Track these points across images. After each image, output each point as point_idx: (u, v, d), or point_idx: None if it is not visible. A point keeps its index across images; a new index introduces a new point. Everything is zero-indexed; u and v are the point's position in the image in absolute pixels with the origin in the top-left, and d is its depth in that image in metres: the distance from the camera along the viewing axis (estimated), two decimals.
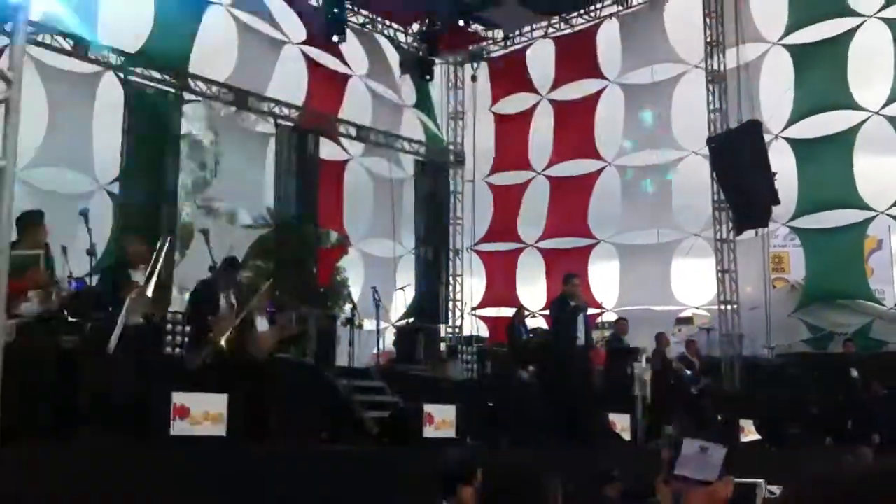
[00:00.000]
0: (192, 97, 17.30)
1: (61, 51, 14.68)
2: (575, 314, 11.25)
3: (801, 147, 17.91)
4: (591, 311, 19.66)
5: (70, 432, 7.25)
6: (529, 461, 2.88)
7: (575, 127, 20.18)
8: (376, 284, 14.42)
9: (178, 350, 10.34)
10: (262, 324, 9.04)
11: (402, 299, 18.59)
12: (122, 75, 15.26)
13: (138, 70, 15.53)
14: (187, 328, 11.03)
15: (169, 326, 10.47)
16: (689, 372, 14.09)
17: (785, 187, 17.23)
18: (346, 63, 19.17)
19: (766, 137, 17.13)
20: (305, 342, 12.32)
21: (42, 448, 6.67)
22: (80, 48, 14.83)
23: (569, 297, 11.32)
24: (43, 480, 5.81)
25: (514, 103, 21.32)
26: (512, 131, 21.19)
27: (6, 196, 3.81)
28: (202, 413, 7.06)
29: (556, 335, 11.84)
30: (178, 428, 6.90)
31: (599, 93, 20.01)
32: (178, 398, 6.99)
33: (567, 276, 11.68)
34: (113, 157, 15.19)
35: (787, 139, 17.98)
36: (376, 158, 19.89)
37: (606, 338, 13.85)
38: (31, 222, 7.10)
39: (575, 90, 20.52)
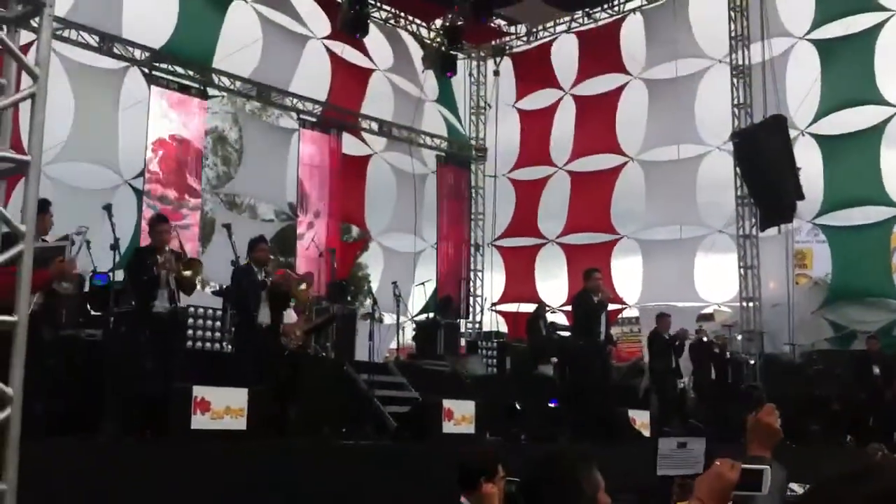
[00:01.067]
0: (216, 93, 17.40)
1: (87, 46, 14.81)
2: (599, 310, 11.20)
3: (827, 143, 17.75)
4: (611, 306, 19.74)
5: (94, 426, 7.34)
6: (567, 450, 2.87)
7: (597, 122, 20.09)
8: (396, 279, 14.44)
9: (198, 344, 10.41)
10: (289, 314, 9.05)
11: (421, 294, 18.59)
12: (146, 71, 15.37)
13: (163, 66, 15.64)
14: (216, 323, 11.18)
15: (190, 321, 10.54)
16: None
17: (811, 184, 17.09)
18: (369, 57, 19.21)
19: (792, 133, 16.96)
20: (329, 333, 12.33)
21: (67, 441, 6.76)
22: (105, 44, 14.96)
23: (591, 292, 11.25)
24: (67, 473, 5.88)
25: (538, 99, 21.26)
26: (535, 127, 21.13)
27: (32, 191, 3.84)
28: (223, 407, 7.11)
29: (578, 331, 11.78)
30: (199, 422, 6.95)
31: (622, 88, 19.92)
32: (200, 392, 7.03)
33: (588, 270, 11.60)
34: (137, 152, 15.30)
35: (813, 135, 17.82)
36: (398, 153, 19.92)
37: (648, 334, 13.81)
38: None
39: (597, 85, 20.42)
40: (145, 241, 13.81)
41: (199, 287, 13.67)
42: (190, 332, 10.32)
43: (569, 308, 19.32)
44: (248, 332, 8.97)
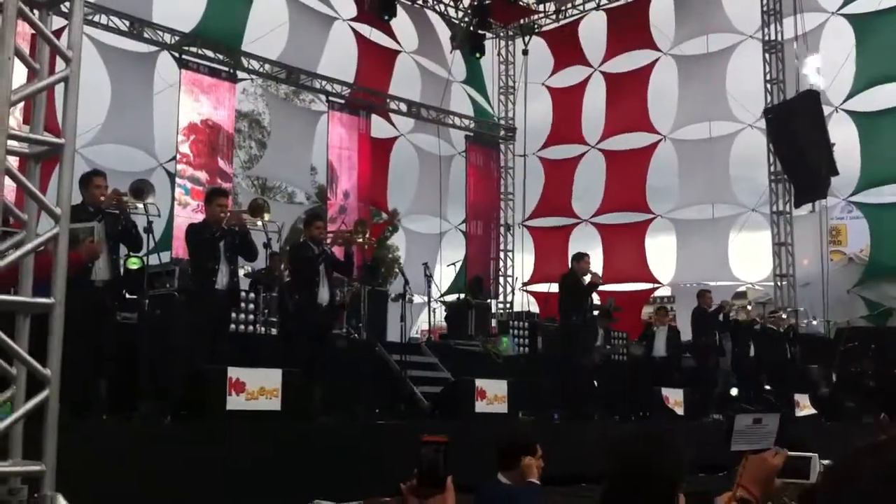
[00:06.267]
0: (246, 76, 17.46)
1: (117, 31, 14.91)
2: (587, 292, 11.32)
3: (863, 120, 17.49)
4: (644, 286, 19.62)
5: (130, 406, 7.42)
6: (658, 430, 2.67)
7: (628, 99, 19.90)
8: (419, 260, 14.49)
9: (231, 326, 10.41)
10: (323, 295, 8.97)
11: (447, 274, 18.62)
12: (176, 54, 15.44)
13: (192, 49, 15.71)
14: (250, 305, 11.25)
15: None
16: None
17: (847, 161, 16.87)
18: (395, 39, 19.16)
19: (827, 110, 16.74)
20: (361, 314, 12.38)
21: (104, 421, 6.85)
22: (135, 28, 15.05)
23: (580, 274, 11.38)
24: (104, 453, 5.95)
25: (567, 76, 21.10)
26: (565, 105, 20.98)
27: (66, 173, 3.87)
28: (258, 388, 7.16)
29: (565, 310, 11.81)
30: (234, 403, 7.00)
31: (652, 65, 19.72)
32: (234, 373, 7.08)
33: (578, 254, 11.83)
34: (170, 135, 15.41)
35: (848, 112, 17.56)
36: (425, 135, 19.87)
37: (692, 311, 13.76)
38: None
39: (627, 62, 20.22)
40: (179, 223, 14.04)
41: None
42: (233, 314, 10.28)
43: (600, 288, 19.31)
44: (307, 311, 8.78)
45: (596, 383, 11.89)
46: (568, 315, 11.44)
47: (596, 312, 13.99)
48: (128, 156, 15.44)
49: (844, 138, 17.32)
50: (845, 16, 17.57)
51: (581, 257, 11.61)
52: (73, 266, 4.29)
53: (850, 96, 17.50)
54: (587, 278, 11.37)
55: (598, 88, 20.55)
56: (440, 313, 16.60)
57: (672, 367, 13.31)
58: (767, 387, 13.94)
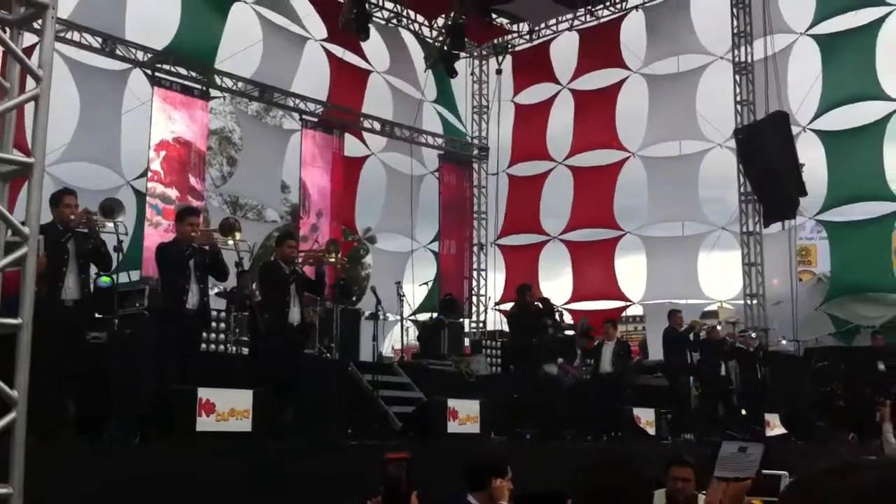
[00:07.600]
0: (218, 93, 17.41)
1: (89, 48, 14.83)
2: (550, 312, 11.94)
3: (829, 139, 17.73)
4: (615, 304, 19.70)
5: (99, 427, 7.34)
6: (625, 451, 2.64)
7: (596, 117, 20.05)
8: (385, 279, 14.48)
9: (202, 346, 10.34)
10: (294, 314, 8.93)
11: (417, 293, 18.61)
12: (149, 72, 15.37)
13: (165, 67, 15.65)
14: (221, 325, 11.17)
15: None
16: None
17: (814, 180, 17.07)
18: (366, 59, 19.19)
19: (794, 130, 16.95)
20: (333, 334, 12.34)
21: (72, 442, 6.76)
22: (108, 45, 14.97)
23: (528, 306, 11.77)
24: (73, 475, 5.88)
25: (535, 93, 21.24)
26: (531, 121, 21.08)
27: (35, 192, 3.84)
28: (228, 409, 7.10)
29: (521, 337, 12.16)
30: (204, 424, 6.93)
31: (621, 83, 19.89)
32: (205, 394, 7.02)
33: (523, 286, 12.46)
34: (139, 152, 15.31)
35: (816, 131, 17.80)
36: (395, 153, 19.88)
37: (663, 331, 13.82)
38: None
39: (596, 80, 20.39)
40: (149, 242, 13.93)
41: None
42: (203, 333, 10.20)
43: (571, 307, 19.41)
44: (278, 331, 8.70)
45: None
46: (528, 338, 11.62)
47: (571, 332, 14.10)
48: (94, 173, 15.31)
49: (812, 158, 17.57)
50: (812, 36, 17.84)
51: (528, 288, 12.31)
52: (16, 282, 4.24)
53: (816, 116, 17.74)
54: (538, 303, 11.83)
55: (565, 106, 20.69)
56: (413, 332, 16.58)
57: (621, 383, 12.86)
58: (744, 411, 14.01)
